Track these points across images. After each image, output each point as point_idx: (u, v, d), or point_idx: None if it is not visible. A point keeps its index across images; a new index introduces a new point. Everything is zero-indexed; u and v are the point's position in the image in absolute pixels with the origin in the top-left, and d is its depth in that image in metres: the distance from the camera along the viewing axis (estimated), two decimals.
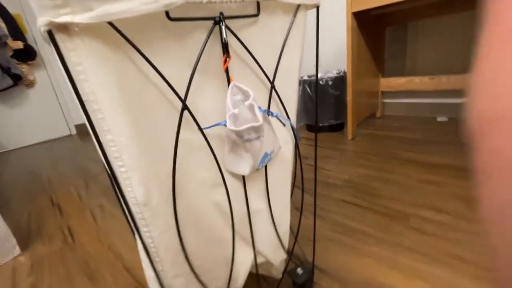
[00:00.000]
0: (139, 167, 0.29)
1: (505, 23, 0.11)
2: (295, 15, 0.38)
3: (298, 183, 0.55)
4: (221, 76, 0.35)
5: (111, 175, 0.29)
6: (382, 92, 1.98)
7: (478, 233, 0.73)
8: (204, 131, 0.34)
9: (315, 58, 0.40)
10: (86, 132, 3.05)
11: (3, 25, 2.45)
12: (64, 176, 1.66)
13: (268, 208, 0.44)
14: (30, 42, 2.67)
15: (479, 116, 0.13)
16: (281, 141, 0.40)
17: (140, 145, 0.29)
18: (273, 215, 0.44)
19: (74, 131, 2.99)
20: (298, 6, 0.37)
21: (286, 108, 0.40)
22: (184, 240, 0.35)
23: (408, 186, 1.02)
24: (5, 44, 2.47)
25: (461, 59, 1.62)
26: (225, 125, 0.32)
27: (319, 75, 1.81)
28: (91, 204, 1.23)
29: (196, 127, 0.34)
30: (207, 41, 0.31)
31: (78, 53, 0.24)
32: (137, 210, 0.30)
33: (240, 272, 0.44)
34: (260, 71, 0.37)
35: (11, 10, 2.51)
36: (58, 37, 0.23)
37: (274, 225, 0.45)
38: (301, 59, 0.40)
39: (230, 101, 0.32)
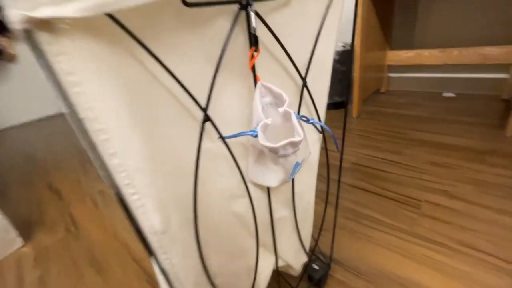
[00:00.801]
0: (154, 193, 0.24)
1: None
2: None
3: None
4: (245, 73, 0.29)
5: (122, 204, 0.24)
6: (388, 66, 1.89)
7: (492, 222, 0.72)
8: (227, 140, 0.29)
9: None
10: None
11: None
12: (61, 159, 1.60)
13: (293, 215, 0.40)
14: None
15: None
16: (310, 144, 0.35)
17: (154, 167, 0.24)
18: (297, 221, 0.41)
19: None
20: None
21: (317, 105, 0.35)
22: (206, 261, 0.31)
23: (417, 169, 1.00)
24: None
25: (478, 29, 1.52)
26: (254, 135, 0.27)
27: None
28: (91, 190, 1.19)
29: (217, 135, 0.29)
30: (233, 29, 0.24)
31: (69, 59, 0.18)
32: (154, 239, 0.26)
33: (261, 279, 0.42)
34: (290, 65, 0.31)
35: None
36: (40, 38, 0.17)
37: (298, 231, 0.42)
38: (334, 48, 0.34)
39: (260, 105, 0.26)
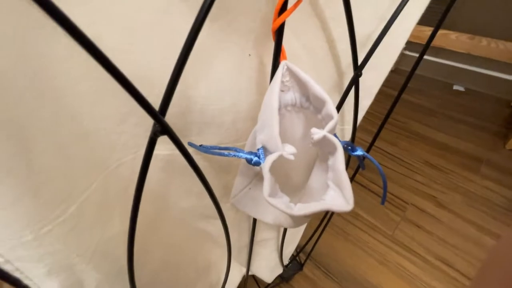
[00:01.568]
0: (40, 253, 0.13)
1: None
2: None
3: None
4: (259, 37, 0.15)
5: None
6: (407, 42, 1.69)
7: (473, 240, 0.70)
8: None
9: None
10: None
11: None
12: None
13: (279, 237, 0.31)
14: None
15: None
16: None
17: (39, 212, 0.12)
18: (284, 241, 0.32)
19: None
20: None
21: (359, 109, 0.22)
22: None
23: (411, 166, 0.94)
24: None
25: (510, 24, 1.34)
26: (253, 163, 0.15)
27: None
28: None
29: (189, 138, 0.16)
30: None
31: None
32: None
33: None
34: (340, 36, 0.17)
35: None
36: None
37: (281, 252, 0.33)
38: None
39: (276, 105, 0.13)
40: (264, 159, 0.14)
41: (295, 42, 0.17)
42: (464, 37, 1.43)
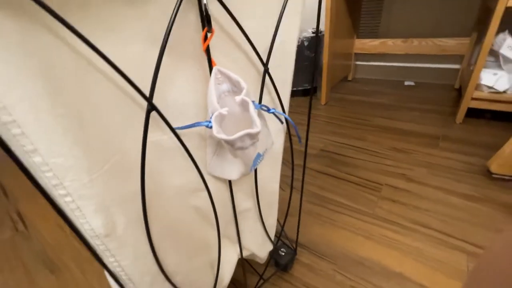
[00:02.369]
0: (91, 193, 0.21)
1: None
2: None
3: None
4: (199, 57, 0.26)
5: (52, 204, 0.21)
6: (355, 54, 1.94)
7: (442, 202, 0.79)
8: (179, 131, 0.27)
9: None
10: None
11: None
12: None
13: (257, 207, 0.39)
14: None
15: None
16: (273, 134, 0.34)
17: (89, 163, 0.21)
18: (261, 212, 0.40)
19: None
20: None
21: (280, 93, 0.33)
22: (163, 261, 0.29)
23: (380, 154, 1.05)
24: None
25: (436, 22, 1.60)
26: (208, 126, 0.24)
27: None
28: None
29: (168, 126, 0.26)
30: (177, 8, 0.21)
31: None
32: (98, 243, 0.23)
33: (225, 272, 0.41)
34: (249, 49, 0.28)
35: None
36: None
37: (262, 222, 0.41)
38: (298, 33, 0.32)
39: (215, 93, 0.24)
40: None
41: (223, 58, 0.28)
42: (398, 41, 1.67)
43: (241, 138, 0.22)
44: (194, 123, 0.25)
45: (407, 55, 1.75)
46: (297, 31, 0.31)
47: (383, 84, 1.83)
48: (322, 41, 1.46)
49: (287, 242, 0.63)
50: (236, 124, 0.27)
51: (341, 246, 0.68)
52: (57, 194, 0.20)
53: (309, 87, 1.71)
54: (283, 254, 0.59)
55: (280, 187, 0.48)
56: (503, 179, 0.84)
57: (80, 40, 0.17)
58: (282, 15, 0.28)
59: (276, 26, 0.28)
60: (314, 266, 0.64)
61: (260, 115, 0.27)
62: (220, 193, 0.35)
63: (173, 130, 0.24)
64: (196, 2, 0.23)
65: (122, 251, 0.25)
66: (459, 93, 1.53)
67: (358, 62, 1.99)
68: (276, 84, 0.32)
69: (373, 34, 1.84)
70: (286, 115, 0.28)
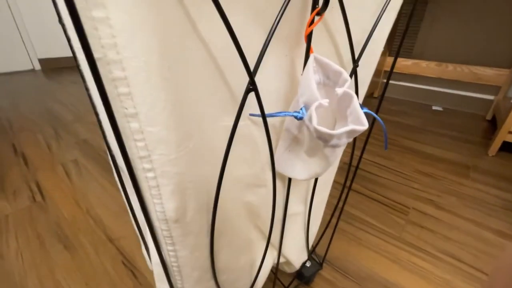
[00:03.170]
0: (174, 172, 0.19)
1: None
2: None
3: None
4: (291, 41, 0.24)
5: (121, 180, 0.19)
6: (385, 72, 1.90)
7: (474, 235, 0.74)
8: (247, 120, 0.25)
9: None
10: (54, 68, 2.65)
11: None
12: (28, 120, 1.45)
13: (307, 213, 0.37)
14: None
15: None
16: None
17: (178, 138, 0.19)
18: (310, 219, 0.38)
19: (38, 66, 2.59)
20: None
21: (359, 94, 0.31)
22: (215, 256, 0.27)
23: (406, 176, 1.01)
24: None
25: (474, 49, 1.55)
26: (298, 117, 0.22)
27: None
28: (64, 158, 1.08)
29: (250, 111, 0.24)
30: None
31: None
32: (164, 228, 0.21)
33: (261, 276, 0.39)
34: (340, 42, 0.26)
35: None
36: None
37: (307, 229, 0.39)
38: (390, 29, 0.30)
39: (314, 82, 0.21)
40: (306, 114, 0.22)
41: (313, 47, 0.26)
42: (432, 64, 1.63)
43: (341, 135, 0.20)
44: (284, 112, 0.23)
45: (439, 79, 1.70)
46: (389, 28, 0.29)
47: (409, 105, 1.79)
48: None
49: (313, 254, 0.60)
50: (321, 120, 0.24)
51: (366, 267, 0.65)
52: (140, 167, 0.18)
53: None
54: (308, 266, 0.56)
55: None
56: None
57: (215, 7, 0.15)
58: (385, 9, 0.25)
59: (376, 20, 0.26)
60: (337, 284, 0.60)
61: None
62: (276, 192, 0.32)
63: (264, 117, 0.22)
64: None
65: (184, 240, 0.23)
66: (492, 124, 1.47)
67: (384, 80, 1.95)
68: (358, 84, 0.29)
69: (407, 53, 1.80)
70: (377, 116, 0.25)
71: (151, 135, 0.17)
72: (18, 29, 2.40)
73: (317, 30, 0.25)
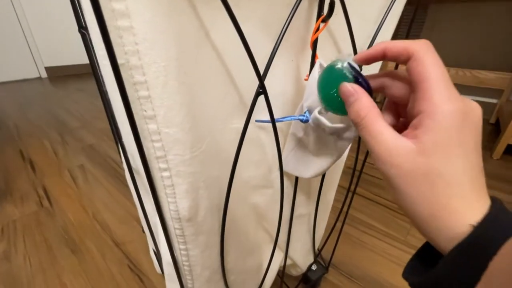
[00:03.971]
0: (188, 171, 0.20)
1: None
2: None
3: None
4: (297, 46, 0.25)
5: (134, 182, 0.20)
6: None
7: None
8: (260, 123, 0.25)
9: None
10: (60, 76, 2.70)
11: None
12: (35, 126, 1.47)
13: (313, 214, 0.37)
14: None
15: None
16: None
17: (193, 139, 0.20)
18: (316, 221, 0.38)
19: (44, 74, 2.64)
20: None
21: None
22: (225, 256, 0.28)
23: None
24: None
25: (476, 53, 1.56)
26: (303, 120, 0.23)
27: None
28: (70, 163, 1.10)
29: (259, 115, 0.25)
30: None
31: None
32: (177, 226, 0.22)
33: (268, 278, 0.39)
34: (344, 47, 0.27)
35: None
36: None
37: (314, 231, 0.39)
38: (392, 35, 0.31)
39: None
40: (309, 117, 0.23)
41: (318, 53, 0.27)
42: None
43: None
44: (290, 116, 0.24)
45: None
46: (391, 34, 0.30)
47: None
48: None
49: (319, 258, 0.60)
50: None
51: (372, 271, 0.64)
52: (156, 167, 0.19)
53: None
54: (314, 270, 0.56)
55: None
56: None
57: (228, 14, 0.16)
58: (387, 16, 0.26)
59: (379, 26, 0.27)
60: (343, 287, 0.60)
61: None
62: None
63: (273, 120, 0.23)
64: None
65: (196, 239, 0.24)
66: (495, 128, 1.47)
67: None
68: None
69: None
70: None
71: (167, 136, 0.18)
72: (25, 38, 2.46)
73: (321, 36, 0.26)
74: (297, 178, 0.31)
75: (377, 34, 0.27)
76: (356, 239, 0.74)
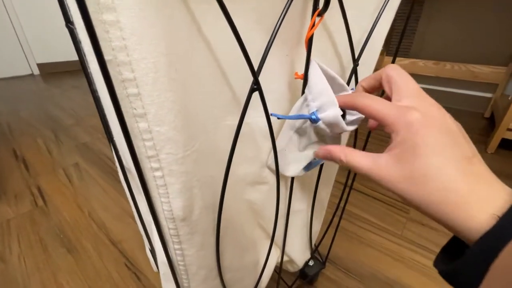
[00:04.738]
0: (181, 171, 0.20)
1: None
2: None
3: None
4: (292, 41, 0.25)
5: (127, 182, 0.19)
6: None
7: None
8: (250, 119, 0.25)
9: None
10: (53, 73, 2.65)
11: None
12: (28, 124, 1.45)
13: (309, 210, 0.37)
14: None
15: None
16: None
17: (185, 138, 0.19)
18: (312, 216, 0.38)
19: (36, 71, 2.60)
20: None
21: None
22: (221, 255, 0.27)
23: None
24: None
25: (471, 48, 1.57)
26: (313, 119, 0.23)
27: None
28: (64, 162, 1.09)
29: (256, 112, 0.24)
30: None
31: None
32: (171, 226, 0.22)
33: (265, 275, 0.39)
34: (339, 41, 0.27)
35: None
36: None
37: (310, 227, 0.39)
38: (389, 28, 0.30)
39: (328, 84, 0.22)
40: (319, 117, 0.23)
41: (313, 46, 0.26)
42: (430, 63, 1.64)
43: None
44: (298, 115, 0.24)
45: (437, 78, 1.71)
46: (388, 27, 0.30)
47: None
48: None
49: (316, 253, 0.61)
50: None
51: (369, 265, 0.65)
52: (148, 167, 0.18)
53: None
54: (311, 265, 0.56)
55: None
56: None
57: (220, 9, 0.16)
58: (384, 8, 0.26)
59: (376, 19, 0.26)
60: (341, 282, 0.61)
61: None
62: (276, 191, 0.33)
63: (268, 116, 0.22)
64: None
65: (191, 238, 0.23)
66: (490, 122, 1.48)
67: None
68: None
69: (404, 53, 1.82)
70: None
71: (159, 134, 0.17)
72: (16, 34, 2.41)
73: (317, 30, 0.26)
74: None
75: (374, 27, 0.27)
76: (353, 234, 0.74)
